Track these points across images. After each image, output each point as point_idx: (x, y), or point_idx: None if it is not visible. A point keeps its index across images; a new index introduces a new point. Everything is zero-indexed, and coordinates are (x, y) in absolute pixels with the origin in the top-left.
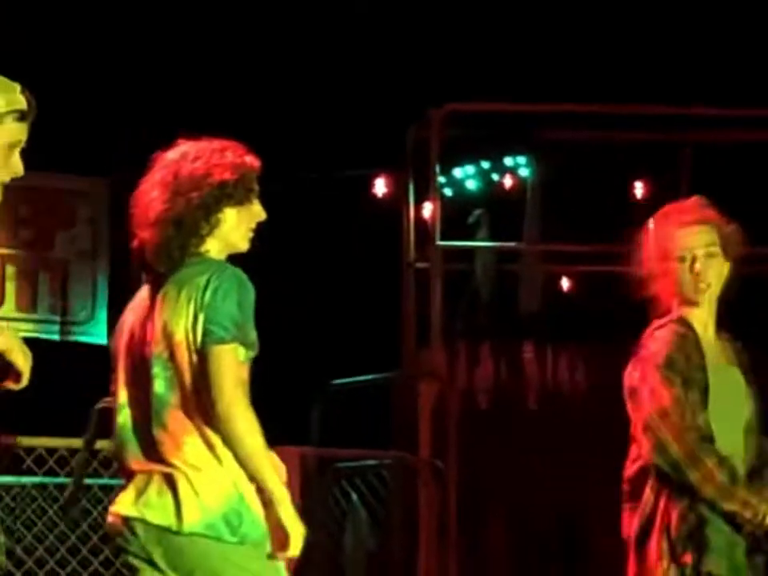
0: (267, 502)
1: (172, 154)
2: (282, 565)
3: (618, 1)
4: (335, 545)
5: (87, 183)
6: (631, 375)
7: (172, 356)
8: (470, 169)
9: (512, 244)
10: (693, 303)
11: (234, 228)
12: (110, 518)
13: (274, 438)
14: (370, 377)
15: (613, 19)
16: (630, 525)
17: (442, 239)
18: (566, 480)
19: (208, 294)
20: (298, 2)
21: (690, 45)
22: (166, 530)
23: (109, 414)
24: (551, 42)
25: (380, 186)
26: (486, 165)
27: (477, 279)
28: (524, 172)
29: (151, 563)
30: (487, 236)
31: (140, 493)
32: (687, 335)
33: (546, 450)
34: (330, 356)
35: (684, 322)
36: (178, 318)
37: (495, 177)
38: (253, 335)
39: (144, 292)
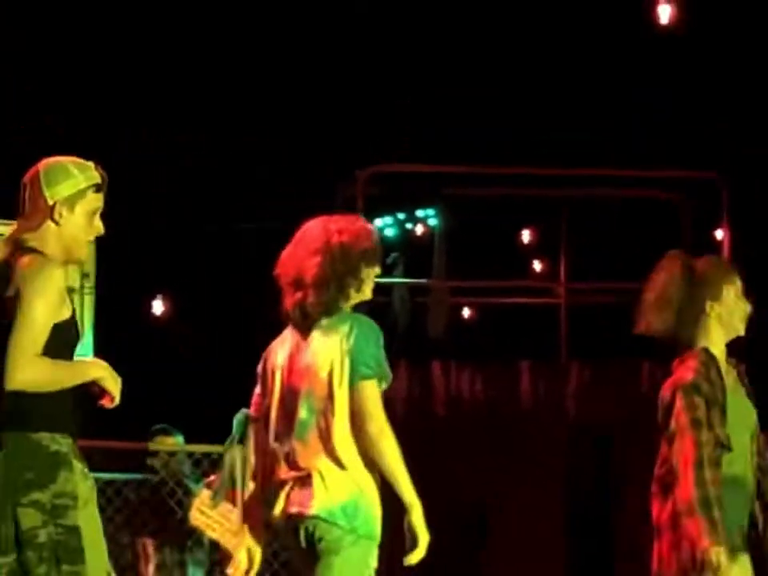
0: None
1: (316, 227)
2: (373, 568)
3: (506, 81)
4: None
5: None
6: (664, 395)
7: (316, 390)
8: (388, 219)
9: (423, 280)
10: (735, 331)
11: (369, 285)
12: (264, 522)
13: None
14: None
15: (503, 94)
16: (659, 514)
17: None
18: (471, 475)
19: (352, 339)
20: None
21: (570, 116)
22: (302, 516)
23: (247, 421)
24: (452, 114)
25: None
26: (401, 216)
27: (394, 310)
28: (433, 222)
29: (300, 548)
30: (403, 274)
31: (288, 494)
32: (711, 363)
33: (453, 448)
34: None
35: (708, 352)
36: (323, 360)
37: (409, 226)
38: (387, 369)
39: (289, 334)
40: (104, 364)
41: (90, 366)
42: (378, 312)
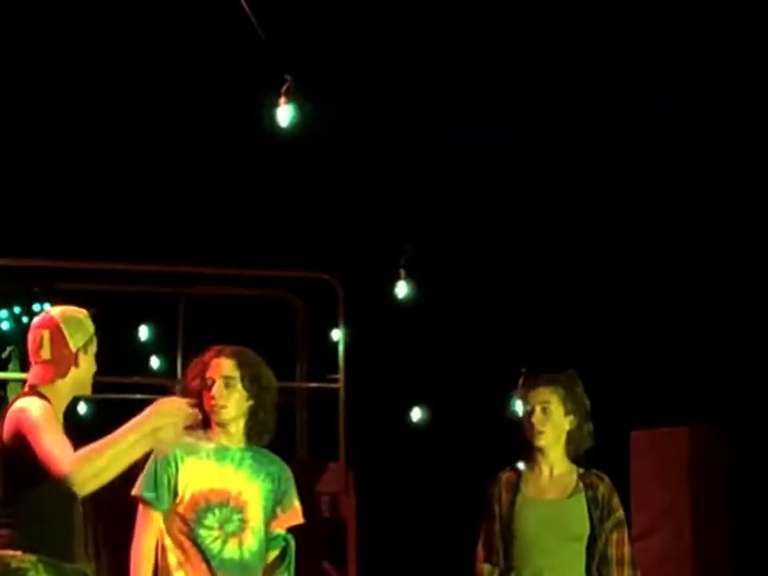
0: None
1: None
2: None
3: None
4: None
5: None
6: None
7: None
8: (3, 313)
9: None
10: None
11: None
12: None
13: None
14: None
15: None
16: None
17: None
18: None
19: None
20: None
21: (193, 215)
22: None
23: None
24: (84, 207)
25: None
26: (17, 310)
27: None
28: None
29: None
30: (18, 368)
31: None
32: (501, 478)
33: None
34: None
35: (513, 468)
36: None
37: (25, 319)
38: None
39: None
40: (163, 409)
41: (138, 426)
42: None
